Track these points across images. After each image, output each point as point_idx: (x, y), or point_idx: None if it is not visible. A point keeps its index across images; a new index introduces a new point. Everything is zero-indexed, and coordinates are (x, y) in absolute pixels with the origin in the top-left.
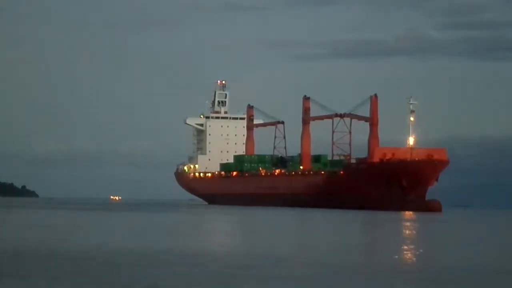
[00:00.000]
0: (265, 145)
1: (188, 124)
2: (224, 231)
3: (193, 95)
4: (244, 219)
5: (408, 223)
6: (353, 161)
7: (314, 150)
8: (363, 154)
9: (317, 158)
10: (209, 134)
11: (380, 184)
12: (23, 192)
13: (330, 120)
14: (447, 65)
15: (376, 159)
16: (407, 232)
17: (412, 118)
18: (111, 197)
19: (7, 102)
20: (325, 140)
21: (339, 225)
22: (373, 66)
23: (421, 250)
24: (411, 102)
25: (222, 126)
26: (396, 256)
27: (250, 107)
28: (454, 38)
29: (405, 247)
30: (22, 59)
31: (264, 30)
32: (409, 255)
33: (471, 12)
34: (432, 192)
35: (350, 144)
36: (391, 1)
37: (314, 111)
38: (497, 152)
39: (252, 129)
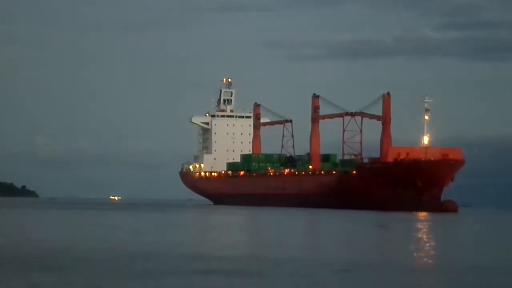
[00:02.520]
0: (272, 145)
1: (193, 123)
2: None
3: (198, 94)
4: (269, 221)
5: (427, 224)
6: (365, 160)
7: (322, 150)
8: (373, 154)
9: (326, 158)
10: (215, 133)
11: (394, 184)
12: (23, 192)
13: (339, 119)
14: (446, 66)
15: (390, 158)
16: (434, 234)
17: (426, 117)
18: (111, 197)
19: (7, 102)
20: (332, 139)
21: (361, 228)
22: (372, 66)
23: (444, 251)
24: (425, 100)
25: (228, 125)
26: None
27: (257, 106)
28: (452, 38)
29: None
30: (23, 59)
31: (263, 30)
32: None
33: (469, 12)
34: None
35: (361, 143)
36: (388, 1)
37: (322, 110)
38: (499, 152)
39: (259, 128)
